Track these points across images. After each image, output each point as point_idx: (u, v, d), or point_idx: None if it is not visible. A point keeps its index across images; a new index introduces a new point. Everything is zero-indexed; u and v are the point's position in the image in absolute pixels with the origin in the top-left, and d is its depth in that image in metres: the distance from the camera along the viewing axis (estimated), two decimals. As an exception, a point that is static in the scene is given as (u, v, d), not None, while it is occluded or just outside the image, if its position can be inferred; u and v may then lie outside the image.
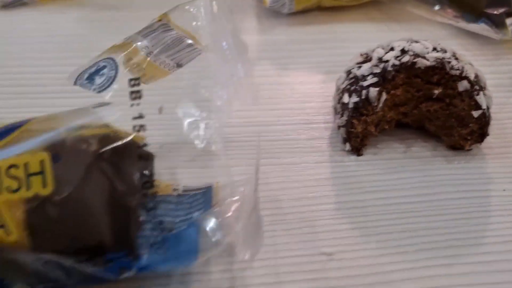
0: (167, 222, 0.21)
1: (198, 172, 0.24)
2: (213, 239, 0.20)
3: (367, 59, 0.27)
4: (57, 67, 0.33)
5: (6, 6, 0.37)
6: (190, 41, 0.23)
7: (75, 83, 0.22)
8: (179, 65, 0.22)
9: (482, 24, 0.34)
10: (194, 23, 0.23)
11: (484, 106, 0.26)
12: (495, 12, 0.33)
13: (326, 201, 0.25)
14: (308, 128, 0.29)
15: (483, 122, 0.26)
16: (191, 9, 0.24)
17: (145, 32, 0.23)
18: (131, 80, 0.21)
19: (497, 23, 0.34)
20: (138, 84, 0.21)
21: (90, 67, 0.22)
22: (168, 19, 0.23)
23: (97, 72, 0.22)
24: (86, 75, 0.22)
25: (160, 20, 0.23)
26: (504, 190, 0.26)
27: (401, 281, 0.22)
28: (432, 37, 0.28)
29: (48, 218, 0.19)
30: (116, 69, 0.22)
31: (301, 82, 0.32)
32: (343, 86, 0.27)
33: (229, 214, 0.21)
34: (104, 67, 0.22)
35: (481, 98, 0.26)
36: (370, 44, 0.30)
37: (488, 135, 0.27)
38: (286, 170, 0.27)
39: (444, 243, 0.24)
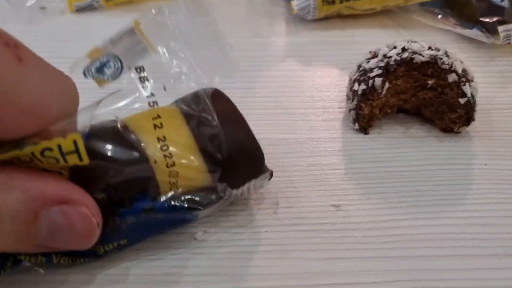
0: None
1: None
2: None
3: (374, 55, 0.33)
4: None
5: (79, 11, 0.45)
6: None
7: (85, 76, 0.25)
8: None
9: (476, 30, 0.39)
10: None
11: (469, 94, 0.32)
12: (488, 21, 0.39)
13: (337, 167, 0.31)
14: (325, 112, 0.35)
15: (469, 108, 0.32)
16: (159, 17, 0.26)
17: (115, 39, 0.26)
18: (136, 68, 0.25)
19: (490, 30, 0.39)
20: (144, 71, 0.25)
21: (92, 63, 0.25)
22: (137, 25, 0.26)
23: (103, 65, 0.25)
24: (93, 69, 0.25)
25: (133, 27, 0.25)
26: (485, 164, 0.32)
27: (394, 228, 0.28)
28: (434, 41, 0.34)
29: None
30: (120, 61, 0.25)
31: (320, 76, 0.38)
32: (354, 77, 0.33)
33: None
34: (108, 61, 0.25)
35: (467, 88, 0.32)
36: (381, 46, 0.36)
37: (474, 119, 0.33)
38: (305, 143, 0.33)
39: (431, 202, 0.29)
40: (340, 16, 0.43)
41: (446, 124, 0.33)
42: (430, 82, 0.32)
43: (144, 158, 0.24)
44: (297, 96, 0.36)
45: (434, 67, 0.32)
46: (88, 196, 0.22)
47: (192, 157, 0.25)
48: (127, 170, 0.24)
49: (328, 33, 0.43)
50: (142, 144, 0.24)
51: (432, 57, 0.32)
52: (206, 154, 0.25)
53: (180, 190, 0.25)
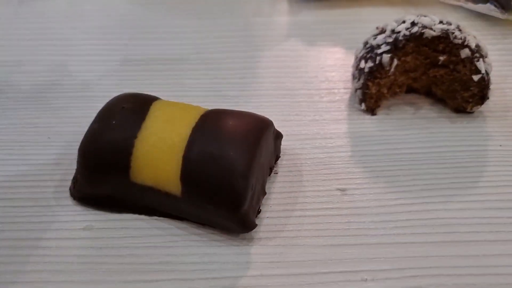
0: None
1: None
2: None
3: (382, 31, 0.31)
4: (115, 41, 0.38)
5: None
6: None
7: None
8: None
9: (489, 5, 0.37)
10: None
11: (483, 71, 0.30)
12: (503, -5, 0.37)
13: (342, 150, 0.30)
14: (329, 92, 0.33)
15: (483, 86, 0.30)
16: None
17: None
18: None
19: (504, 5, 0.37)
20: None
21: None
22: None
23: None
24: None
25: None
26: (500, 145, 0.30)
27: (403, 213, 0.26)
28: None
29: None
30: None
31: (325, 56, 0.36)
32: (360, 54, 0.31)
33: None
34: None
35: (480, 64, 0.30)
36: (388, 21, 0.34)
37: (488, 98, 0.31)
38: (309, 125, 0.31)
39: (444, 185, 0.28)
40: (345, -6, 0.41)
41: (459, 103, 0.31)
42: (441, 58, 0.30)
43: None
44: (301, 77, 0.35)
45: (445, 42, 0.30)
46: None
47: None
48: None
49: (332, 11, 0.41)
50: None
51: (444, 31, 0.30)
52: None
53: None
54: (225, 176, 0.24)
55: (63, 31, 0.39)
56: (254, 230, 0.25)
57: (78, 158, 0.26)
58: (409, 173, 0.28)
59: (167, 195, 0.25)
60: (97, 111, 0.27)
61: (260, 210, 0.26)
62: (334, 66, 0.35)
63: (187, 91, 0.34)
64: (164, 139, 0.25)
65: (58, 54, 0.37)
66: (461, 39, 0.30)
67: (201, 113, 0.26)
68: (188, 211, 0.25)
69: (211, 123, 0.25)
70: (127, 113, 0.26)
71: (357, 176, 0.28)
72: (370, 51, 0.31)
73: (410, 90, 0.33)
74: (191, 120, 0.25)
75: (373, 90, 0.31)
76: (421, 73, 0.31)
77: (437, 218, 0.26)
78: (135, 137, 0.25)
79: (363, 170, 0.28)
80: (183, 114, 0.26)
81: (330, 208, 0.27)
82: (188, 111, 0.26)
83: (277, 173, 0.28)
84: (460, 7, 0.39)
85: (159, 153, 0.25)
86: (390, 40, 0.30)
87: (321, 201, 0.27)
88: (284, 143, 0.29)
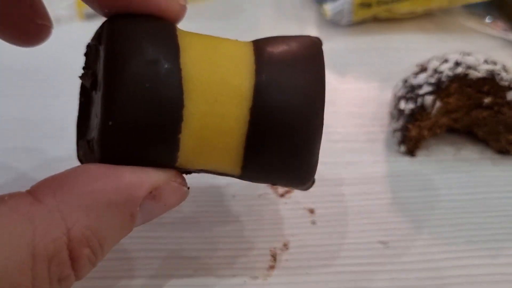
0: None
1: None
2: None
3: (422, 69, 0.30)
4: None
5: (89, 18, 0.42)
6: None
7: None
8: None
9: (531, 37, 0.36)
10: None
11: (530, 114, 0.28)
12: (544, 26, 0.35)
13: (382, 196, 0.28)
14: (366, 132, 0.32)
15: (529, 129, 0.29)
16: None
17: None
18: None
19: (546, 36, 0.36)
20: None
21: None
22: None
23: None
24: None
25: None
26: (548, 192, 0.29)
27: (450, 268, 0.25)
28: (482, 48, 0.31)
29: None
30: None
31: (358, 88, 0.35)
32: (400, 93, 0.30)
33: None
34: None
35: (528, 107, 0.28)
36: (423, 54, 0.32)
37: (534, 141, 0.29)
38: (346, 168, 0.30)
39: (490, 236, 0.26)
40: (376, 21, 0.40)
41: (502, 145, 0.30)
42: (486, 100, 0.29)
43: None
44: (334, 112, 0.33)
45: (491, 84, 0.28)
46: (166, 170, 0.20)
47: None
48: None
49: (363, 39, 0.39)
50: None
51: (489, 72, 0.28)
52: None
53: None
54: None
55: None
56: (293, 288, 0.24)
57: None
58: (453, 223, 0.27)
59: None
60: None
61: None
62: (368, 100, 0.34)
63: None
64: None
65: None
66: (507, 80, 0.28)
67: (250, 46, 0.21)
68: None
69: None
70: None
71: (399, 227, 0.27)
72: (410, 91, 0.29)
73: (449, 130, 0.31)
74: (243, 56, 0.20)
75: (414, 132, 0.29)
76: (463, 114, 0.30)
77: (486, 274, 0.25)
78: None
79: (404, 220, 0.27)
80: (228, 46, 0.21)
81: (372, 263, 0.25)
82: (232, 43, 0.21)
83: (315, 224, 0.27)
84: (498, 36, 0.38)
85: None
86: (433, 80, 0.29)
87: (363, 255, 0.26)
88: (318, 189, 0.28)
